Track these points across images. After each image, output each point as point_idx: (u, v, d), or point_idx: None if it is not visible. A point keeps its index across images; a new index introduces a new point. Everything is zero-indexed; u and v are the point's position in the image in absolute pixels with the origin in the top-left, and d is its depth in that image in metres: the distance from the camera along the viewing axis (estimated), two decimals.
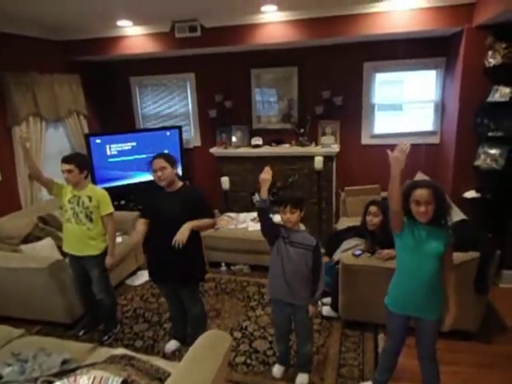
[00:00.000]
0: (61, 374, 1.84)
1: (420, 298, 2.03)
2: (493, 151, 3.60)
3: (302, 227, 2.36)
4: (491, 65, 3.48)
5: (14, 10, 3.43)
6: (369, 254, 2.89)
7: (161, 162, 2.46)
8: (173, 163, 2.51)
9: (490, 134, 3.55)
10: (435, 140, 4.54)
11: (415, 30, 3.70)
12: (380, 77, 4.61)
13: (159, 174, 2.47)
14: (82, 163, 2.79)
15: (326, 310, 3.21)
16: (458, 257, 2.60)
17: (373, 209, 3.11)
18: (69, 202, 2.82)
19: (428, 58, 4.37)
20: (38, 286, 3.04)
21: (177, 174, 2.58)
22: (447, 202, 1.97)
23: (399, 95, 4.69)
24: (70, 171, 2.71)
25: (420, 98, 4.59)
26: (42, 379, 1.71)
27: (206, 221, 2.58)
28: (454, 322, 2.05)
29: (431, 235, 1.97)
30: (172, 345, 2.89)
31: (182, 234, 2.42)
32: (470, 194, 3.81)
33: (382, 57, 4.46)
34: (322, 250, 2.48)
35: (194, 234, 2.53)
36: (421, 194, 1.90)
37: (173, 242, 2.41)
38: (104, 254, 2.91)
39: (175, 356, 2.80)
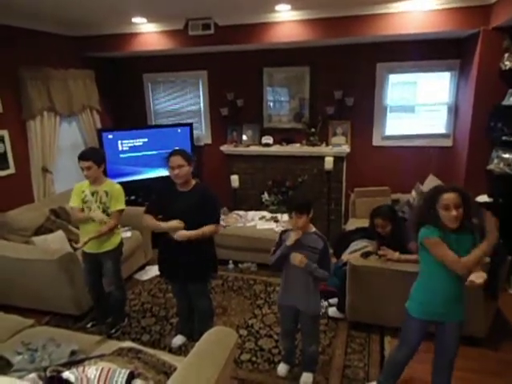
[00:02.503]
0: (69, 365, 1.86)
1: (448, 303, 2.00)
2: (506, 155, 3.56)
3: (312, 229, 2.33)
4: (507, 68, 3.43)
5: (30, 6, 3.48)
6: (377, 256, 2.87)
7: (178, 160, 2.46)
8: (190, 161, 2.51)
9: (503, 138, 3.51)
10: (448, 143, 4.49)
11: (430, 31, 3.67)
12: (393, 78, 4.57)
13: (176, 171, 2.47)
14: (99, 158, 2.82)
15: (333, 311, 3.20)
16: None
17: (379, 221, 2.99)
18: (83, 201, 2.84)
19: (442, 60, 4.32)
20: (48, 278, 3.09)
21: (192, 172, 2.58)
22: (472, 204, 1.93)
23: (412, 97, 4.65)
24: (88, 168, 2.74)
25: (433, 100, 4.54)
26: (50, 369, 1.73)
27: (209, 228, 2.55)
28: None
29: (460, 242, 1.91)
30: (178, 339, 2.92)
31: (180, 235, 2.49)
32: (482, 198, 3.76)
33: (395, 58, 4.42)
34: (331, 251, 2.48)
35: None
36: (450, 197, 1.84)
37: (175, 237, 2.49)
38: (118, 247, 2.95)
39: (181, 351, 2.82)
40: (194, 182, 2.61)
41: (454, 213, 1.84)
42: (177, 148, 2.58)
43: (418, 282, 2.11)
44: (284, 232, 2.40)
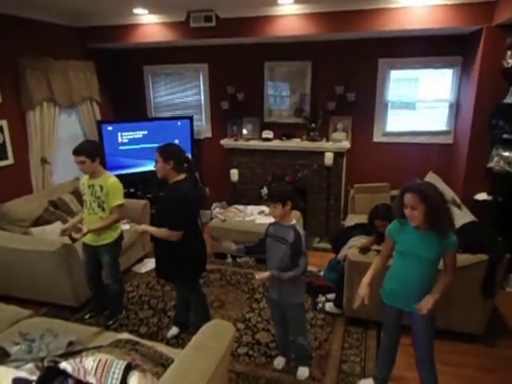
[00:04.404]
0: (66, 355, 1.87)
1: (408, 295, 2.06)
2: (506, 153, 3.55)
3: (291, 221, 2.31)
4: (509, 65, 3.41)
5: None
6: (376, 253, 2.88)
7: (157, 156, 2.49)
8: (166, 158, 2.45)
9: (504, 136, 3.50)
10: (448, 140, 4.47)
11: (433, 27, 3.64)
12: (395, 74, 4.55)
13: (155, 165, 2.53)
14: (92, 152, 2.76)
15: (330, 307, 3.21)
16: (466, 258, 2.58)
17: (377, 223, 3.01)
18: (82, 194, 2.86)
19: (444, 57, 4.29)
20: (46, 269, 3.10)
21: (173, 168, 2.47)
22: (442, 208, 1.90)
23: (413, 93, 4.63)
24: (82, 162, 2.73)
25: (435, 96, 4.52)
26: (48, 359, 1.74)
27: (160, 230, 2.51)
28: (424, 310, 1.95)
29: (422, 239, 1.97)
30: (174, 330, 2.95)
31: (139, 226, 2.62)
32: (482, 196, 3.76)
33: (397, 54, 4.39)
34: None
35: (183, 237, 2.48)
36: (407, 198, 1.93)
37: None
38: (116, 241, 2.95)
39: (179, 343, 2.83)
40: (175, 179, 2.51)
41: (407, 212, 1.95)
42: (163, 144, 2.56)
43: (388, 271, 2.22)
44: (270, 226, 2.42)
